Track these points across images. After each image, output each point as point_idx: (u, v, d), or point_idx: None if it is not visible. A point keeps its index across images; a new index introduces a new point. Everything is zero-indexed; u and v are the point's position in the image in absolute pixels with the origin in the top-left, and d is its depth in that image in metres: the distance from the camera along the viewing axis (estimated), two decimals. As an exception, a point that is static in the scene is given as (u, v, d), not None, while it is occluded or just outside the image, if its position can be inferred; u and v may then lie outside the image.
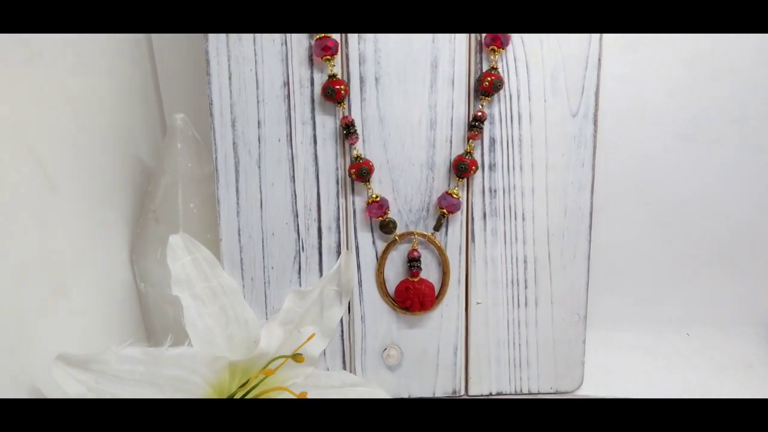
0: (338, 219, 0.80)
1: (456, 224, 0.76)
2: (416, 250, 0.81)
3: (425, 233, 0.76)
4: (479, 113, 0.69)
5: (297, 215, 0.80)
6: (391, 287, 0.77)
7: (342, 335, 0.79)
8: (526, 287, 0.77)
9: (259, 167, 0.72)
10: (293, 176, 0.72)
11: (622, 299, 0.95)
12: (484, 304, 0.78)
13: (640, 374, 0.84)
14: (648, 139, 0.86)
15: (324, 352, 0.78)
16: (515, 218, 0.76)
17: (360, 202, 0.76)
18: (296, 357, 0.74)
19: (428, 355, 0.78)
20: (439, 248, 0.82)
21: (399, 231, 0.76)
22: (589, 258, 0.83)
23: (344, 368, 0.78)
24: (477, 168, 0.77)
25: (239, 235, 0.80)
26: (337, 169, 0.78)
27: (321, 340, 0.83)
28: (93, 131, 0.70)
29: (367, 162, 0.76)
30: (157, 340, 0.82)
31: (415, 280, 0.81)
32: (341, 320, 0.78)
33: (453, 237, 0.77)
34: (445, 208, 0.79)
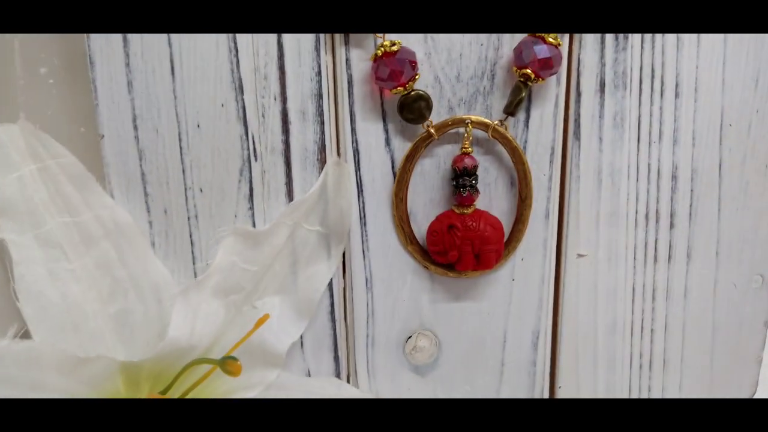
0: (320, 93, 0.42)
1: (547, 104, 0.44)
2: (469, 154, 0.42)
3: (487, 121, 0.44)
4: None
5: (241, 87, 0.41)
6: (421, 226, 0.46)
7: (332, 315, 0.49)
8: (671, 226, 0.47)
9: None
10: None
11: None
12: (592, 256, 0.47)
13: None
14: None
15: (301, 343, 0.49)
16: (662, 90, 0.44)
17: (361, 57, 0.43)
18: (226, 364, 0.37)
19: (486, 347, 0.50)
20: (513, 151, 0.43)
21: (437, 117, 0.44)
22: (793, 171, 0.45)
23: (337, 373, 0.50)
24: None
25: (135, 128, 0.42)
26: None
27: (292, 322, 0.47)
28: None
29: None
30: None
31: (467, 211, 0.42)
32: (329, 288, 0.48)
33: (541, 129, 0.45)
34: (530, 68, 0.40)
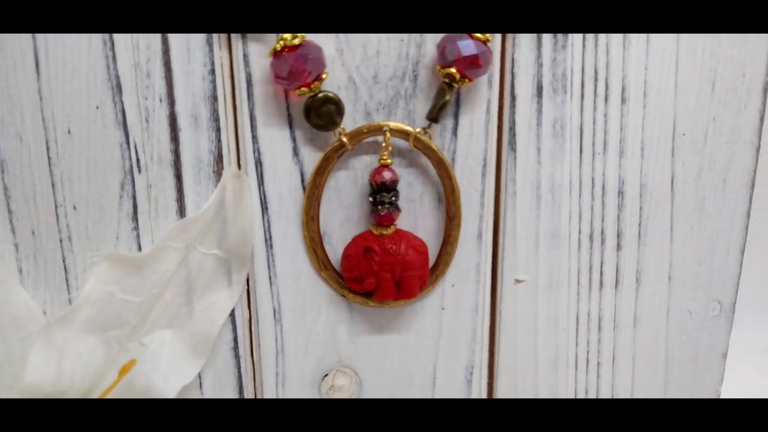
0: (214, 95, 0.36)
1: (477, 110, 0.39)
2: (388, 166, 0.36)
3: (408, 128, 0.38)
4: None
5: (119, 86, 0.35)
6: (337, 249, 0.41)
7: (236, 351, 0.42)
8: (618, 247, 0.42)
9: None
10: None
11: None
12: (532, 282, 0.42)
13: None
14: None
15: (200, 383, 0.42)
16: (606, 94, 0.39)
17: (262, 53, 0.37)
18: None
19: (414, 386, 0.44)
20: (439, 163, 0.37)
21: (352, 124, 0.38)
22: (752, 188, 0.40)
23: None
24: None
25: None
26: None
27: (186, 360, 0.40)
28: None
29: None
30: None
31: (387, 232, 0.37)
32: (232, 319, 0.41)
33: (471, 138, 0.39)
34: (455, 67, 0.34)
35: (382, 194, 0.37)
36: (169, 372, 0.39)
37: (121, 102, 0.37)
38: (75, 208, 0.38)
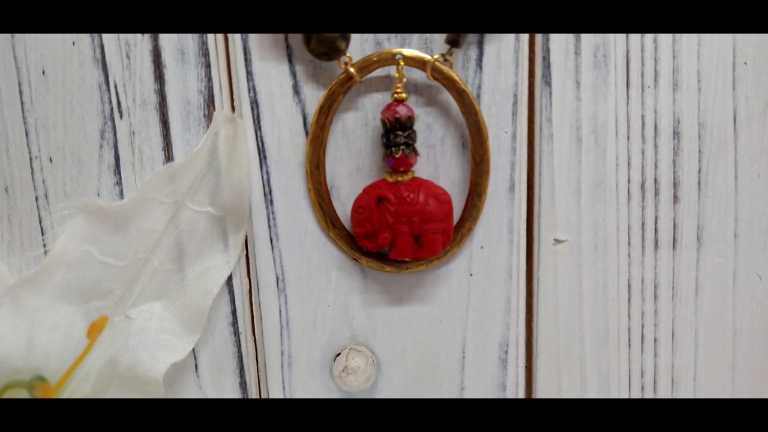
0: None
1: (505, 36, 0.34)
2: (402, 101, 0.31)
3: (424, 56, 0.33)
4: None
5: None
6: (346, 204, 0.35)
7: (234, 326, 0.37)
8: (675, 199, 0.36)
9: None
10: None
11: None
12: (574, 242, 0.36)
13: None
14: None
15: (195, 365, 0.37)
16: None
17: None
18: (34, 387, 0.26)
19: (439, 367, 0.38)
20: (461, 96, 0.32)
21: (359, 54, 0.33)
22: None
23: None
24: None
25: None
26: None
27: (176, 336, 0.36)
28: None
29: None
30: None
31: (403, 179, 0.32)
32: (229, 289, 0.36)
33: (499, 71, 0.34)
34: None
35: (396, 133, 0.32)
36: (157, 348, 0.34)
37: (99, 37, 0.32)
38: (51, 160, 0.34)
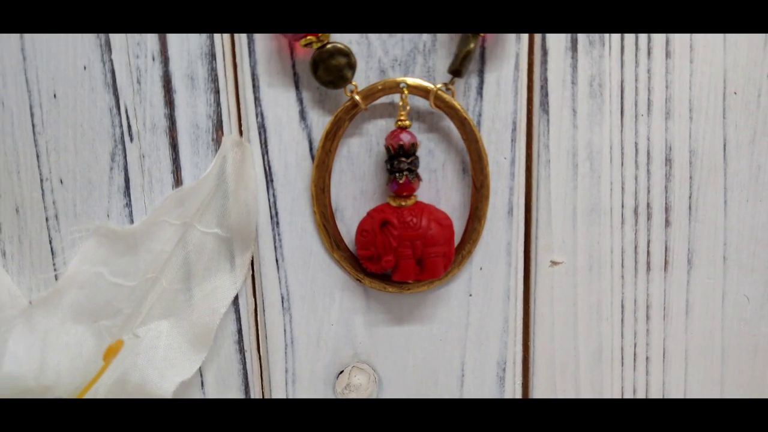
0: (212, 52, 0.33)
1: (505, 66, 0.35)
2: (406, 129, 0.32)
3: (428, 85, 0.34)
4: None
5: (108, 44, 0.32)
6: (350, 226, 0.37)
7: (240, 344, 0.38)
8: (667, 223, 0.38)
9: None
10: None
11: None
12: (569, 264, 0.37)
13: None
14: None
15: (201, 382, 0.38)
16: (649, 48, 0.35)
17: None
18: None
19: (438, 384, 0.39)
20: (462, 124, 0.33)
21: (364, 82, 0.34)
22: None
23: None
24: None
25: None
26: None
27: (184, 354, 0.36)
28: None
29: None
30: None
31: (407, 203, 0.33)
32: (235, 308, 0.37)
33: (499, 98, 0.35)
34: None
35: (400, 159, 0.33)
36: (165, 367, 0.35)
37: (111, 61, 0.33)
38: (62, 182, 0.34)
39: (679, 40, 0.34)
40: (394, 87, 0.33)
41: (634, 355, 0.39)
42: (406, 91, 0.33)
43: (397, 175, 0.33)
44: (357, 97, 0.33)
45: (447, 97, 0.33)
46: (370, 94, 0.33)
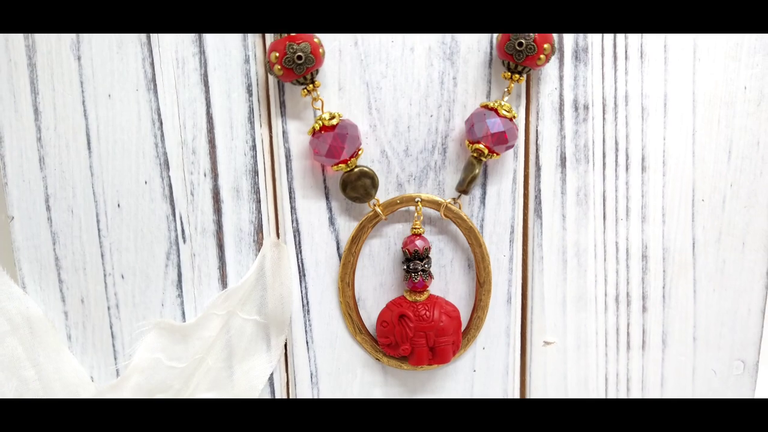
0: (255, 169, 0.38)
1: (504, 180, 0.41)
2: (420, 235, 0.38)
3: (438, 199, 0.40)
4: None
5: (167, 162, 0.38)
6: (371, 313, 0.42)
7: None
8: (644, 309, 0.43)
9: (79, 60, 0.38)
10: (153, 76, 0.38)
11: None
12: (560, 343, 0.43)
13: None
14: None
15: None
16: (627, 163, 0.41)
17: (300, 130, 0.40)
18: None
19: None
20: (469, 231, 0.39)
21: (384, 195, 0.40)
22: (772, 249, 0.42)
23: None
24: (552, 50, 0.35)
25: (48, 209, 0.40)
26: (246, 60, 0.36)
27: (226, 424, 0.40)
28: None
29: (307, 37, 0.34)
30: None
31: (420, 298, 0.38)
32: (270, 383, 0.43)
33: (499, 207, 0.41)
34: (484, 143, 0.36)
35: (415, 262, 0.39)
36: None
37: (168, 177, 0.39)
38: (123, 277, 0.40)
39: (653, 156, 0.40)
40: (410, 201, 0.39)
41: (617, 421, 0.44)
42: (420, 205, 0.39)
43: (413, 275, 0.39)
44: (378, 209, 0.39)
45: (455, 209, 0.39)
46: (390, 205, 0.39)
